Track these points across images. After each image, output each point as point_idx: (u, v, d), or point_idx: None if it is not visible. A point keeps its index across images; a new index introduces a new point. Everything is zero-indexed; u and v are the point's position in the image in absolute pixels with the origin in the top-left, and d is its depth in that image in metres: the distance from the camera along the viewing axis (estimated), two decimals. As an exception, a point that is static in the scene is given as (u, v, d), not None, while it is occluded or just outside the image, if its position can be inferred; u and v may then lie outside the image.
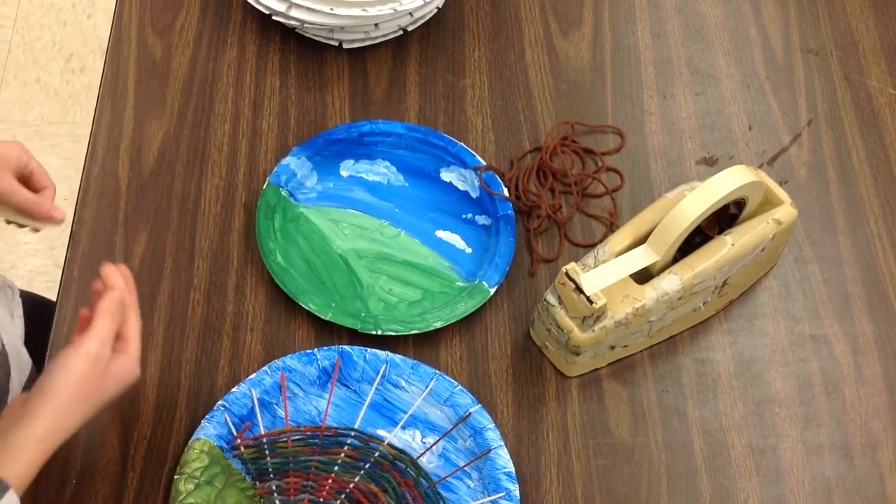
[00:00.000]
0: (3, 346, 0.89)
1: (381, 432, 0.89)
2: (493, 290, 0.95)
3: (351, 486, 0.86)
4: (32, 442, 0.73)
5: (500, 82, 1.10)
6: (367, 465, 0.87)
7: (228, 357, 0.93)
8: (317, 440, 0.87)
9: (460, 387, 0.89)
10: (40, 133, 2.03)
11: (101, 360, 0.76)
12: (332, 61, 1.10)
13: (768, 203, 0.93)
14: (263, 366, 0.91)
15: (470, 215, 1.02)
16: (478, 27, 1.14)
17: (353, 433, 0.88)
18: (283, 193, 1.00)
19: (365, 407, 0.90)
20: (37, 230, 0.88)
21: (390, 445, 0.88)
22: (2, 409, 0.87)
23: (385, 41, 1.11)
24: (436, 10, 1.12)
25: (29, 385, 0.91)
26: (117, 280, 0.80)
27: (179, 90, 1.07)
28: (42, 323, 0.96)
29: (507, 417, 0.91)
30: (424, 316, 0.93)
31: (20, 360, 0.92)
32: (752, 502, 0.88)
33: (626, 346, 0.92)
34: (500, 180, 1.01)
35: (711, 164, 1.06)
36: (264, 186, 0.99)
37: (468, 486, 0.87)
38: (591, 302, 0.84)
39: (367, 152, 1.04)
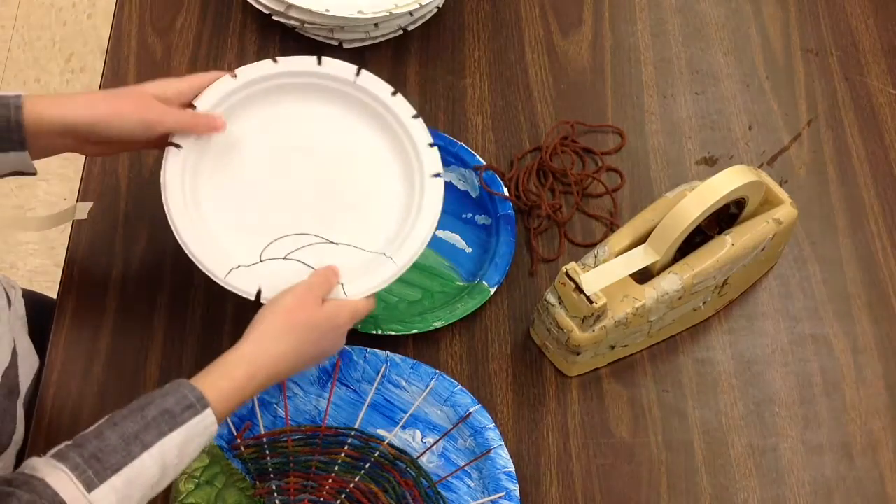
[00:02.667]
0: (14, 347, 0.89)
1: (381, 432, 0.89)
2: (493, 290, 0.95)
3: (351, 485, 0.86)
4: (235, 361, 0.76)
5: (500, 82, 1.10)
6: (367, 465, 0.87)
7: (228, 357, 0.92)
8: (317, 440, 0.87)
9: (460, 387, 0.89)
10: (40, 133, 2.02)
11: (308, 296, 0.80)
12: (332, 61, 1.10)
13: (768, 203, 0.93)
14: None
15: (470, 215, 1.02)
16: (478, 27, 1.14)
17: (353, 433, 0.88)
18: (283, 193, 1.00)
19: (365, 407, 0.90)
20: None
21: (390, 445, 0.88)
22: (14, 407, 0.87)
23: (385, 41, 1.11)
24: (436, 10, 1.12)
25: (35, 385, 0.91)
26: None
27: (179, 90, 1.07)
28: (42, 322, 0.96)
29: (507, 417, 0.91)
30: (424, 316, 0.93)
31: (27, 362, 0.92)
32: (752, 502, 0.88)
33: (626, 346, 0.92)
34: (500, 180, 1.01)
35: (711, 164, 1.06)
36: (264, 186, 0.99)
37: (468, 486, 0.87)
38: (591, 302, 0.84)
39: (367, 152, 1.04)
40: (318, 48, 1.10)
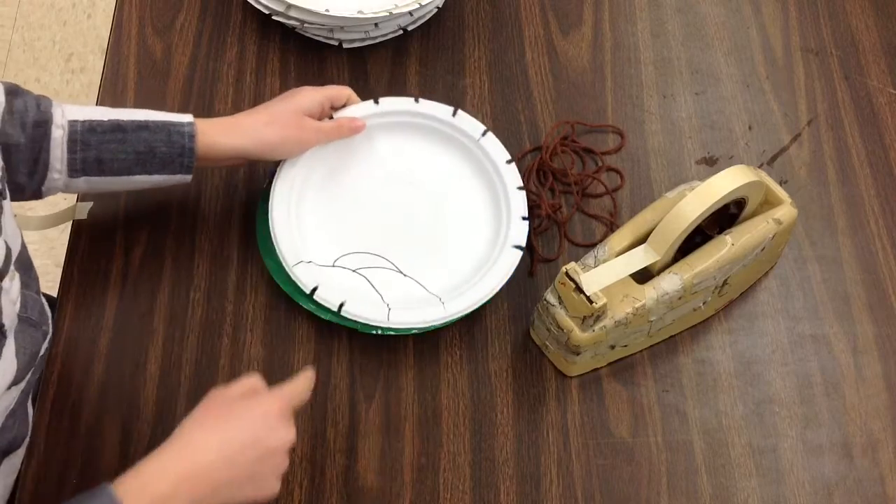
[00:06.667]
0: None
1: None
2: (493, 290, 0.95)
3: None
4: (162, 463, 0.72)
5: (500, 82, 1.10)
6: None
7: (228, 357, 0.93)
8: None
9: None
10: (40, 133, 2.02)
11: (226, 393, 0.76)
12: (332, 61, 1.10)
13: (768, 203, 0.93)
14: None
15: (470, 215, 1.02)
16: (478, 27, 1.14)
17: None
18: (283, 193, 1.00)
19: None
20: None
21: None
22: (26, 406, 0.88)
23: (385, 41, 1.11)
24: (436, 10, 1.12)
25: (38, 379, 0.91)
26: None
27: (179, 90, 1.07)
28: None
29: (507, 417, 0.91)
30: (425, 316, 0.93)
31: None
32: (752, 502, 0.88)
33: (626, 346, 0.92)
34: (500, 180, 1.01)
35: (711, 164, 1.06)
36: (265, 186, 0.99)
37: None
38: (591, 302, 0.84)
39: (368, 153, 1.05)
40: (317, 48, 1.10)
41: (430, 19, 1.12)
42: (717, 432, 0.91)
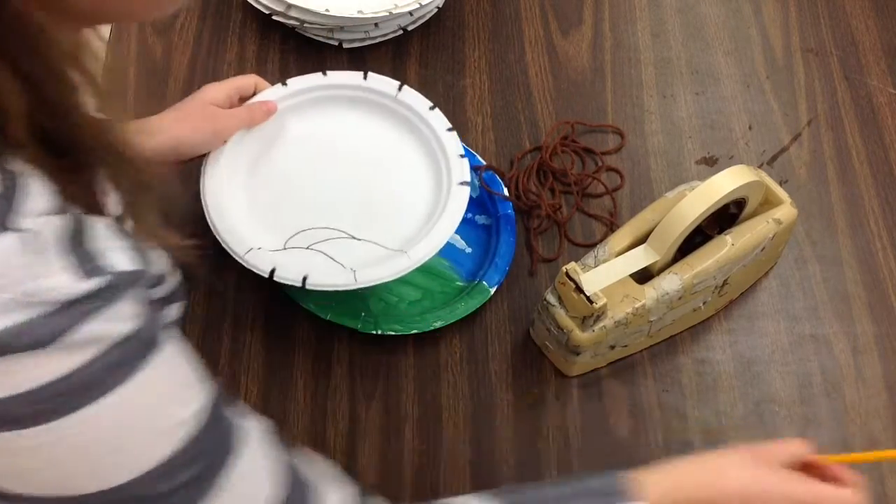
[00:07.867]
0: None
1: None
2: (493, 290, 0.95)
3: None
4: (686, 468, 0.69)
5: (500, 82, 1.10)
6: None
7: (228, 357, 0.93)
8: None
9: None
10: (40, 133, 2.02)
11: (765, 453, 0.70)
12: (332, 61, 1.10)
13: (768, 203, 0.93)
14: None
15: (470, 215, 1.01)
16: (478, 27, 1.14)
17: None
18: (283, 193, 1.00)
19: None
20: None
21: None
22: None
23: (385, 41, 1.11)
24: (436, 10, 1.12)
25: None
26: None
27: (179, 90, 1.07)
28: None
29: (507, 417, 0.91)
30: (424, 316, 0.93)
31: None
32: (752, 502, 0.88)
33: (626, 346, 0.92)
34: (500, 180, 1.01)
35: (711, 164, 1.06)
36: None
37: None
38: (591, 302, 0.84)
39: (368, 152, 1.05)
40: (317, 48, 1.10)
41: (430, 19, 1.12)
42: (717, 432, 0.91)
